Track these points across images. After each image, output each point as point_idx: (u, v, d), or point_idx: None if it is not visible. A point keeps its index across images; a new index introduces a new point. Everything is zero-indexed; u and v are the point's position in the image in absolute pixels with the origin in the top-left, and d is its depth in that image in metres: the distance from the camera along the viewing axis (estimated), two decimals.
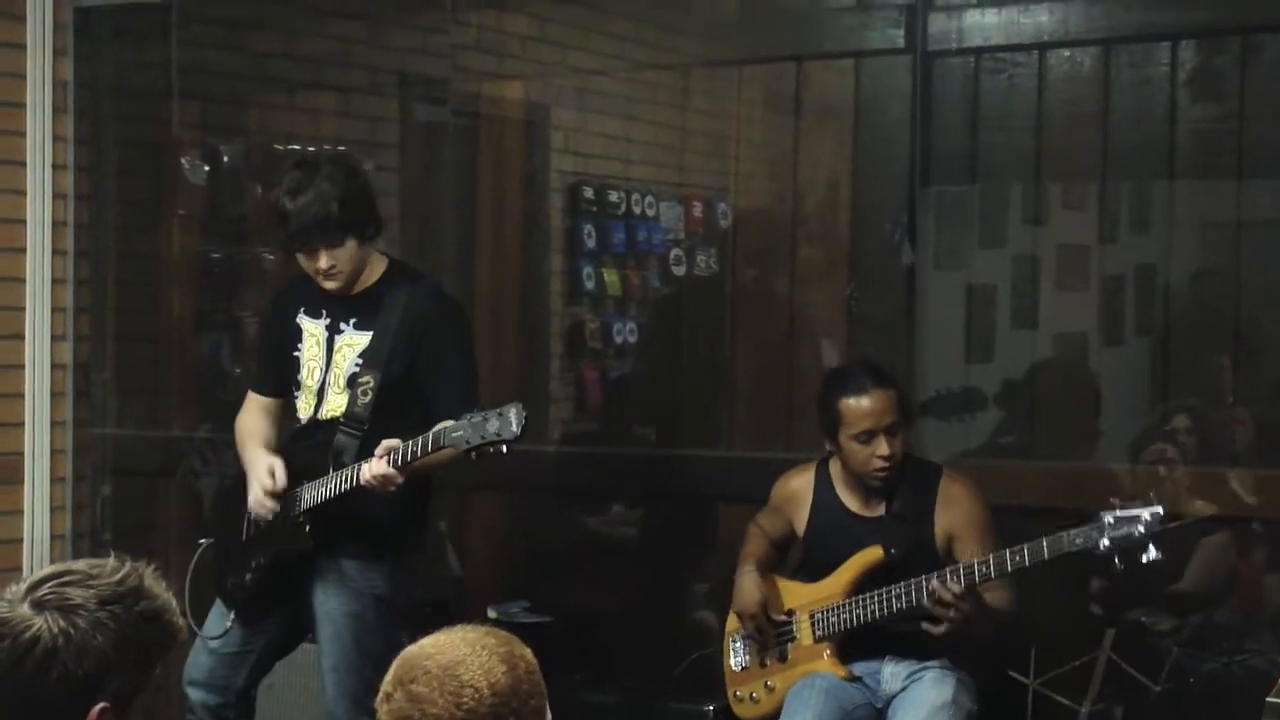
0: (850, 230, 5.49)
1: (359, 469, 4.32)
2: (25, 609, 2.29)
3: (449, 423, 4.17)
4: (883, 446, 4.46)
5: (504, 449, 4.11)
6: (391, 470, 4.25)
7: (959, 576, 4.25)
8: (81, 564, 2.37)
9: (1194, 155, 5.13)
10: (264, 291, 6.02)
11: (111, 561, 2.37)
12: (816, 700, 4.41)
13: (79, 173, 5.92)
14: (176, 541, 5.83)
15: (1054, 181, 5.31)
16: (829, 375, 4.69)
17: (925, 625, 4.28)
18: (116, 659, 2.30)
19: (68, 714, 2.29)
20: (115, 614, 2.31)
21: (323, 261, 4.44)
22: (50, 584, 2.32)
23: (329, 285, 4.49)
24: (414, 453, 4.23)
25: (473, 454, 4.13)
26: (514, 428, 4.07)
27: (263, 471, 4.51)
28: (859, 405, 4.47)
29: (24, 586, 2.33)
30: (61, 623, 2.27)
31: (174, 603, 2.40)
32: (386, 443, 4.29)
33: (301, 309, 4.60)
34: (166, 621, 2.38)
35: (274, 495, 4.49)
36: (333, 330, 4.55)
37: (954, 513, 4.51)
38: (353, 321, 4.52)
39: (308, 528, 4.46)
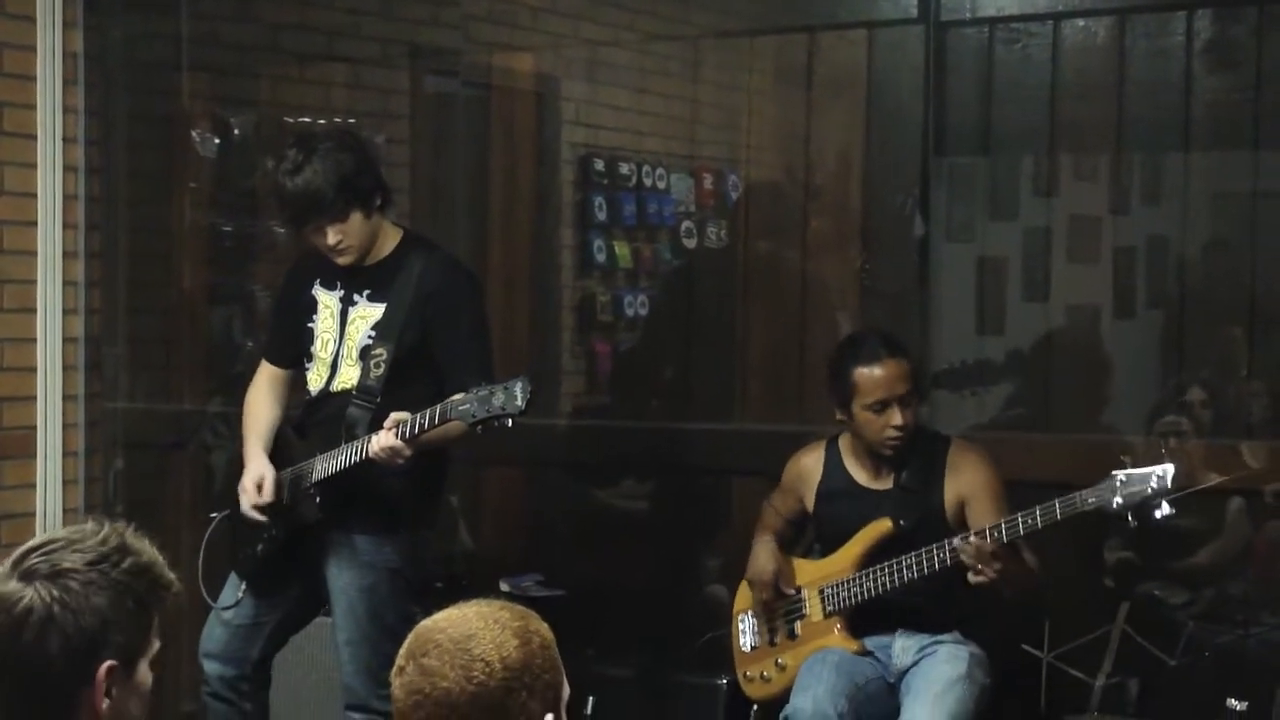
0: (862, 202, 5.47)
1: (368, 441, 4.32)
2: (14, 583, 2.31)
3: (456, 396, 4.16)
4: (896, 416, 4.45)
5: (509, 424, 4.10)
6: (399, 443, 4.25)
7: (970, 540, 4.23)
8: (62, 532, 2.39)
9: (1209, 126, 5.11)
10: (275, 264, 6.01)
11: (90, 525, 2.39)
12: (829, 674, 4.40)
13: (89, 145, 5.91)
14: (189, 515, 5.84)
15: (1067, 153, 5.29)
16: (842, 344, 4.68)
17: (973, 578, 4.24)
18: (114, 616, 2.31)
19: (74, 679, 2.30)
20: (105, 572, 2.32)
21: (330, 238, 4.43)
22: (35, 555, 2.34)
23: (340, 260, 4.48)
24: (421, 426, 4.22)
25: (478, 428, 4.12)
26: (519, 402, 4.06)
27: (250, 484, 4.53)
28: (872, 375, 4.46)
29: (9, 563, 2.34)
30: (54, 590, 2.29)
31: (159, 556, 2.41)
32: (394, 415, 4.29)
33: (317, 280, 4.59)
34: (156, 574, 2.39)
35: (260, 509, 4.51)
36: (346, 302, 4.54)
37: (965, 479, 4.50)
38: (366, 293, 4.52)
39: (319, 499, 4.46)
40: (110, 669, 2.31)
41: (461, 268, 4.68)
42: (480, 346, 4.46)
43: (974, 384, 5.32)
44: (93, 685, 2.30)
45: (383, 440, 4.27)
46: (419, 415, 4.22)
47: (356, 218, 4.43)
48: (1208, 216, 5.25)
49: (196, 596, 4.65)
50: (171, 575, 2.42)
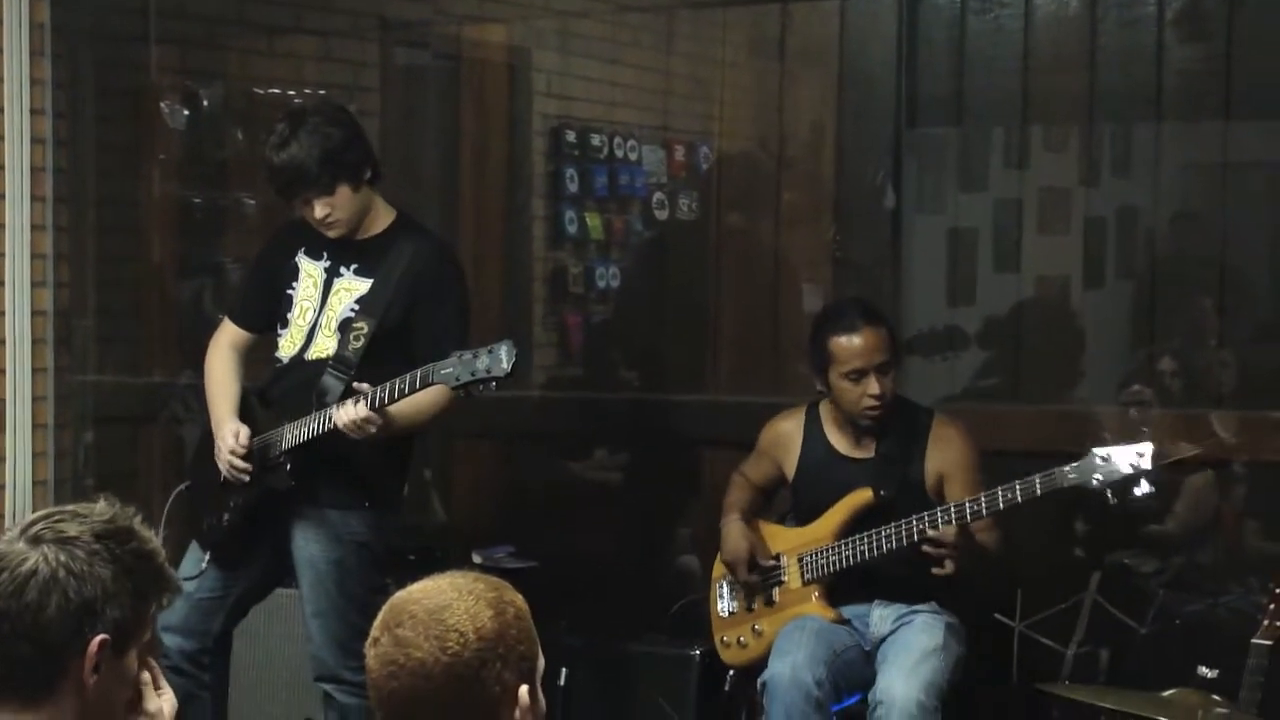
0: (835, 174, 5.47)
1: (336, 409, 4.32)
2: (21, 545, 2.32)
3: (439, 362, 4.15)
4: (873, 385, 4.45)
5: (494, 386, 4.10)
6: (367, 413, 4.24)
7: (950, 516, 4.25)
8: (71, 506, 2.39)
9: (1180, 96, 5.12)
10: (245, 236, 5.99)
11: (101, 504, 2.39)
12: (808, 641, 4.41)
13: (57, 118, 5.86)
14: (159, 487, 5.81)
15: (1038, 124, 5.30)
16: (820, 313, 4.67)
17: (935, 570, 4.29)
18: (114, 589, 2.31)
19: (67, 646, 2.30)
20: (109, 547, 2.33)
21: (317, 211, 4.44)
22: (43, 521, 2.35)
23: (330, 232, 4.49)
24: (401, 390, 4.21)
25: (461, 391, 4.12)
26: (504, 364, 4.05)
27: (228, 435, 4.50)
28: (850, 344, 4.46)
29: (17, 529, 2.35)
30: (61, 555, 2.30)
31: (163, 552, 2.41)
32: (361, 385, 4.28)
33: (302, 249, 4.59)
34: (159, 564, 2.39)
35: (242, 457, 4.48)
36: (332, 273, 4.54)
37: (946, 454, 4.51)
38: (354, 267, 4.52)
39: (288, 467, 4.45)
40: (103, 643, 2.31)
41: (453, 255, 4.69)
42: (460, 330, 4.45)
43: (945, 349, 5.34)
44: (83, 657, 2.30)
45: (349, 412, 4.26)
46: (399, 380, 4.21)
47: (344, 191, 4.43)
48: (1178, 187, 5.27)
49: None
50: (173, 574, 2.44)
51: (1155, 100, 5.10)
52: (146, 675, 2.43)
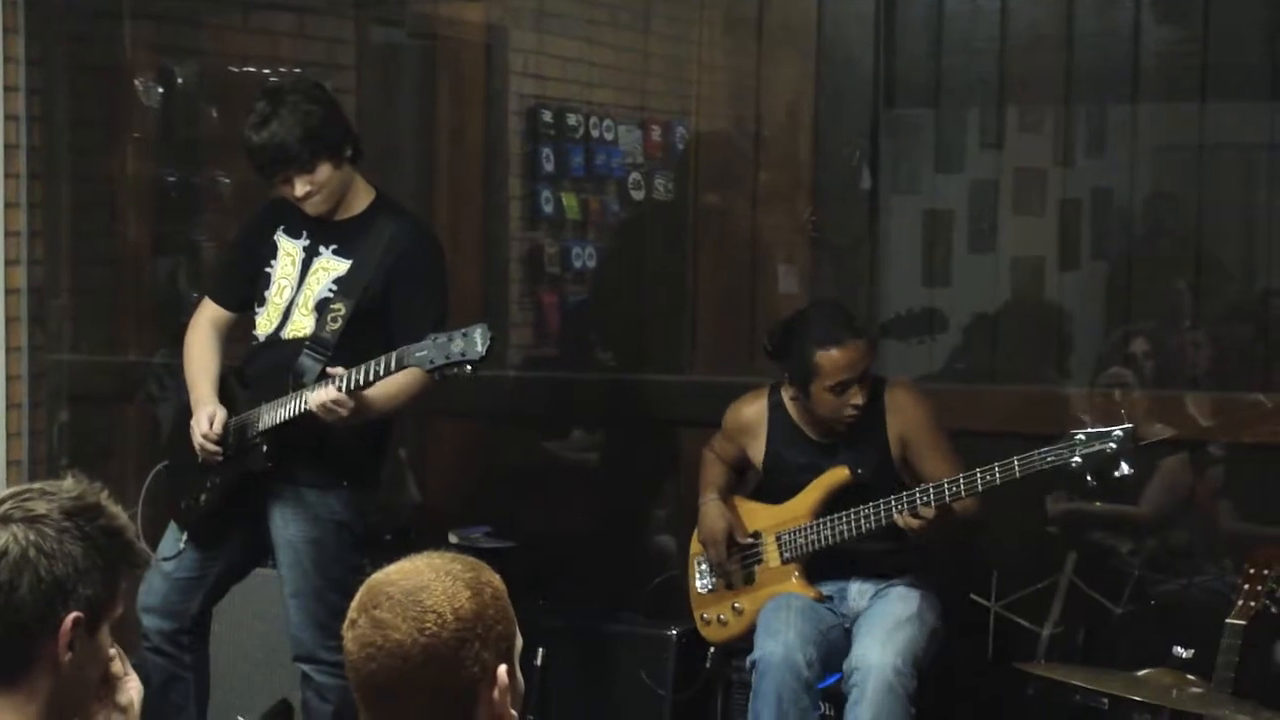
0: (812, 154, 5.46)
1: (310, 393, 4.31)
2: None
3: (413, 345, 4.14)
4: (857, 396, 4.45)
5: (468, 370, 4.09)
6: (340, 395, 4.23)
7: (929, 497, 4.26)
8: (37, 484, 2.40)
9: (1157, 77, 5.12)
10: (220, 215, 5.98)
11: (69, 481, 2.40)
12: (795, 620, 4.42)
13: (31, 94, 5.84)
14: (134, 467, 5.81)
15: (1015, 105, 5.30)
16: (799, 323, 4.57)
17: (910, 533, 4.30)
18: (86, 567, 2.32)
19: (40, 625, 2.30)
20: (79, 524, 2.33)
21: (298, 188, 4.43)
22: (11, 500, 2.35)
23: (310, 210, 4.48)
24: (376, 373, 4.20)
25: (436, 374, 4.11)
26: (479, 348, 4.05)
27: (203, 418, 4.49)
28: (834, 359, 4.42)
29: None
30: (31, 534, 2.30)
31: (131, 525, 2.42)
32: (335, 369, 4.27)
33: (281, 227, 4.58)
34: (127, 540, 2.40)
35: (210, 439, 4.47)
36: (311, 252, 4.53)
37: (903, 418, 4.53)
38: (333, 247, 4.51)
39: (265, 448, 4.44)
40: (76, 620, 2.31)
41: (433, 237, 4.69)
42: (437, 312, 4.44)
43: (921, 332, 5.34)
44: (57, 636, 2.30)
45: (322, 395, 4.25)
46: (374, 362, 4.20)
47: (325, 169, 4.42)
48: (1154, 168, 5.28)
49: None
50: (143, 547, 2.44)
51: (1132, 81, 5.10)
52: (117, 665, 2.43)
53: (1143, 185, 5.25)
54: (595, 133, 6.06)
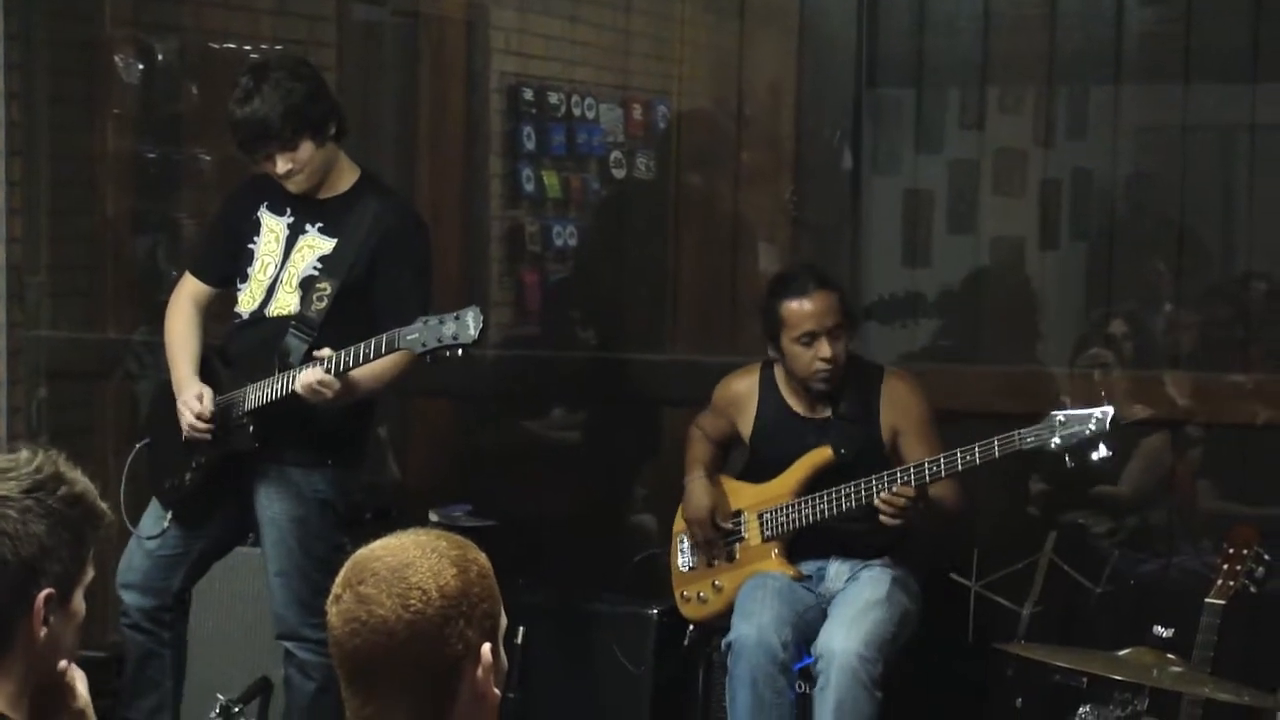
0: (793, 133, 5.46)
1: (297, 373, 4.30)
2: None
3: (404, 327, 4.13)
4: (824, 349, 4.46)
5: (459, 353, 4.08)
6: (326, 377, 4.22)
7: (909, 476, 4.27)
8: None
9: (1140, 58, 5.13)
10: (200, 191, 5.96)
11: (23, 453, 2.38)
12: (771, 601, 4.43)
13: (10, 70, 5.81)
14: (114, 444, 5.79)
15: (996, 85, 5.31)
16: (771, 280, 4.68)
17: (882, 517, 4.30)
18: (52, 544, 2.31)
19: (12, 607, 2.29)
20: (41, 500, 2.32)
21: (280, 166, 4.42)
22: None
23: (292, 187, 4.47)
24: (365, 355, 4.20)
25: (428, 358, 4.11)
26: (471, 331, 4.05)
27: (191, 398, 4.47)
28: (800, 308, 4.47)
29: None
30: None
31: (91, 487, 2.40)
32: (321, 351, 4.27)
33: (265, 204, 4.56)
34: (90, 504, 2.39)
35: (203, 419, 4.45)
36: (295, 230, 4.51)
37: (898, 412, 4.54)
38: (318, 225, 4.49)
39: (252, 428, 4.43)
40: (48, 597, 2.31)
41: (418, 217, 4.68)
42: (421, 292, 4.43)
43: (905, 316, 5.35)
44: (30, 614, 2.29)
45: (309, 377, 4.24)
46: (363, 344, 4.20)
47: (307, 146, 4.41)
48: (1135, 149, 5.28)
49: (120, 527, 4.60)
50: (104, 505, 2.43)
51: (1114, 62, 5.10)
52: (73, 674, 2.41)
53: (1124, 166, 5.26)
54: (577, 111, 6.05)
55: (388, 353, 4.18)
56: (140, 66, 6.09)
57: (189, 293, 4.68)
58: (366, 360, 4.21)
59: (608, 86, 6.03)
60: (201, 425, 4.45)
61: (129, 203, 6.19)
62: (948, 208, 5.43)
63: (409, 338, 4.11)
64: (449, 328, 4.06)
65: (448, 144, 5.94)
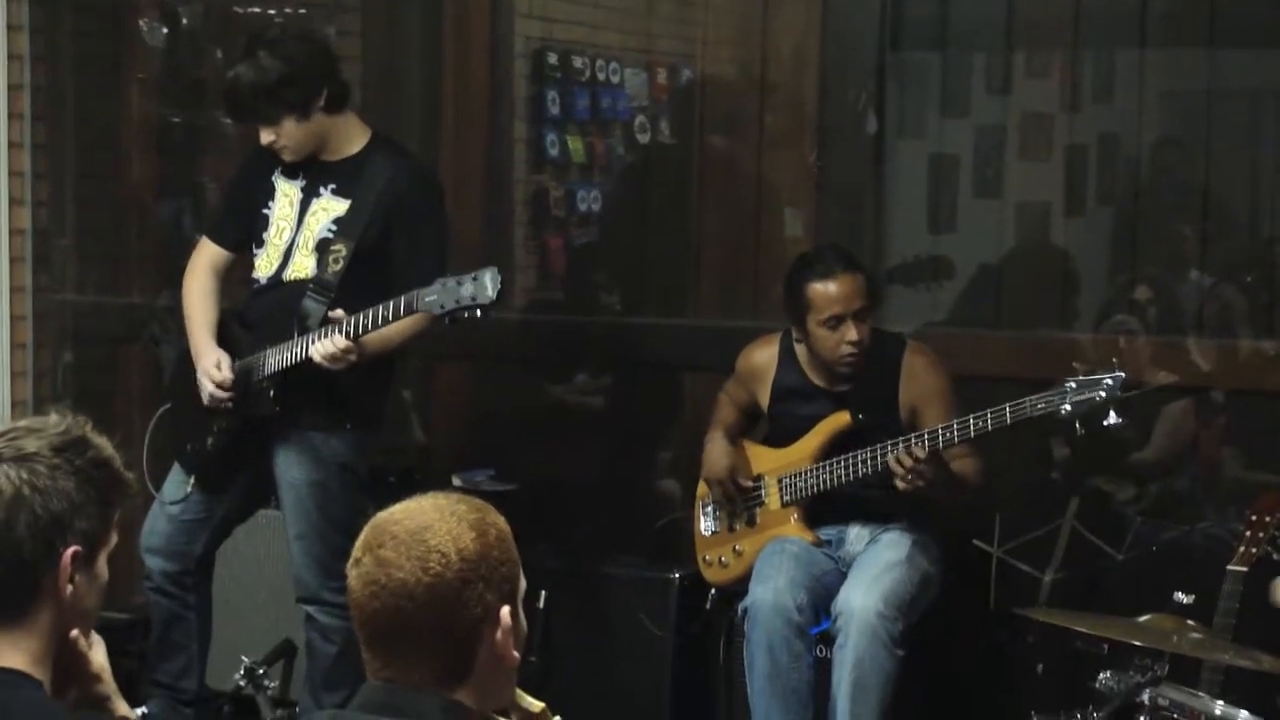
0: (818, 98, 5.45)
1: (315, 338, 4.31)
2: None
3: (423, 289, 4.13)
4: (851, 332, 4.45)
5: (479, 314, 4.08)
6: (345, 343, 4.22)
7: (923, 441, 4.27)
8: (23, 422, 2.41)
9: (1165, 22, 5.10)
10: (224, 156, 5.95)
11: (54, 416, 2.41)
12: (788, 565, 4.44)
13: (34, 34, 5.82)
14: (138, 408, 5.81)
15: (1023, 49, 5.28)
16: (796, 261, 4.65)
17: (897, 481, 4.31)
18: (80, 500, 2.34)
19: (41, 561, 2.32)
20: (69, 459, 2.35)
21: (264, 138, 4.46)
22: (0, 440, 2.35)
23: (285, 157, 4.48)
24: (384, 318, 4.20)
25: (446, 319, 4.11)
26: (489, 292, 4.04)
27: (210, 366, 4.49)
28: (827, 290, 4.45)
29: None
30: (23, 472, 2.31)
31: (117, 455, 2.43)
32: (336, 313, 4.27)
33: (279, 168, 4.57)
34: (116, 470, 2.41)
35: (224, 387, 4.47)
36: (309, 193, 4.52)
37: (918, 386, 4.53)
38: (331, 187, 4.50)
39: (272, 392, 4.44)
40: (75, 554, 2.33)
41: (430, 174, 4.68)
42: (439, 252, 4.44)
43: (929, 279, 5.34)
44: (57, 570, 2.31)
45: (326, 346, 4.25)
46: (381, 307, 4.20)
47: (288, 123, 4.43)
48: (1161, 114, 5.26)
49: (144, 491, 4.63)
50: (129, 475, 2.45)
51: (1140, 26, 5.08)
52: (88, 642, 2.43)
53: (1150, 131, 5.24)
54: (601, 76, 6.04)
55: (406, 315, 4.18)
56: (164, 30, 6.09)
57: (206, 258, 4.69)
58: (385, 323, 4.21)
59: (632, 51, 6.01)
60: (222, 394, 4.47)
61: (153, 167, 6.20)
62: (973, 173, 5.41)
63: (427, 299, 4.10)
64: (467, 289, 4.05)
65: (472, 109, 5.94)
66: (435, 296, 4.09)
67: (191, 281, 4.67)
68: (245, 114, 4.48)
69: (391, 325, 4.28)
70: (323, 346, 4.25)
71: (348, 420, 4.49)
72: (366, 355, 4.34)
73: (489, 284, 4.04)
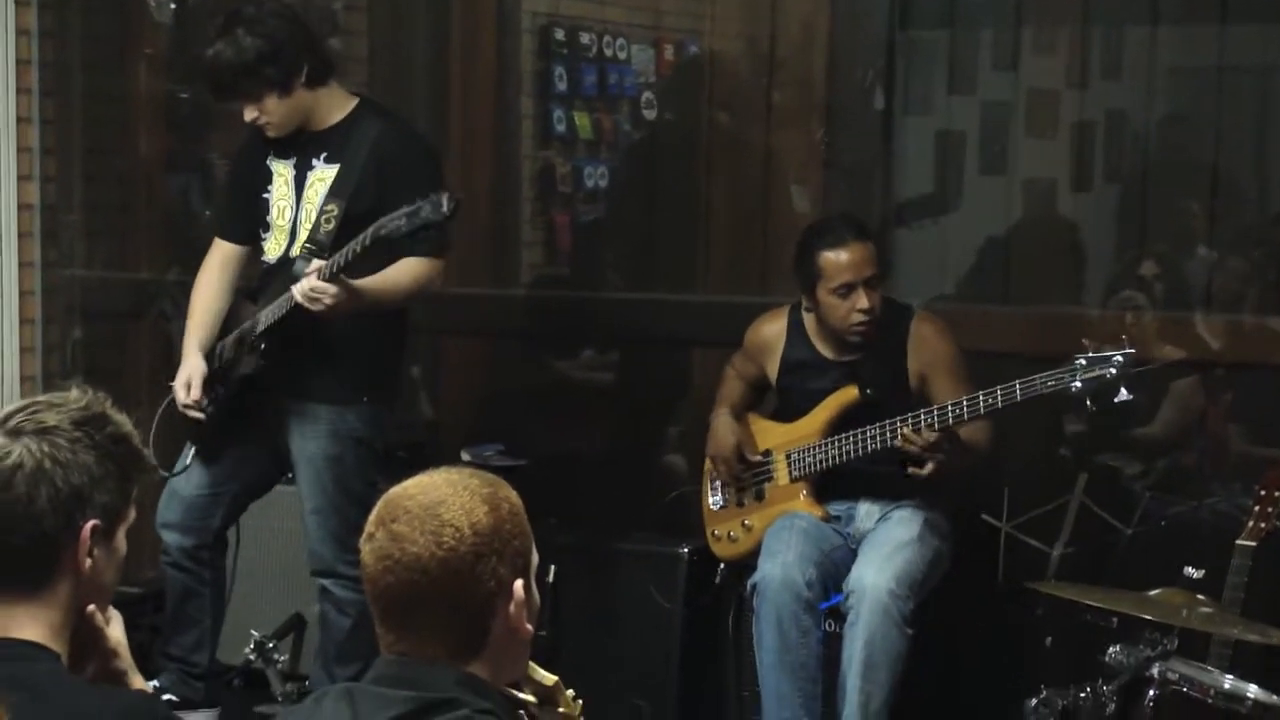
0: (825, 74, 5.44)
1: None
2: (1, 439, 2.34)
3: (384, 217, 4.18)
4: (862, 300, 4.45)
5: (442, 230, 4.20)
6: (321, 283, 4.23)
7: (933, 419, 4.27)
8: (43, 396, 2.43)
9: None
10: (232, 132, 5.92)
11: (74, 391, 2.43)
12: (797, 540, 4.45)
13: (43, 9, 5.81)
14: (147, 383, 5.82)
15: (1030, 26, 5.27)
16: (806, 230, 4.65)
17: (911, 470, 4.32)
18: (100, 474, 2.36)
19: (61, 534, 2.33)
20: (89, 433, 2.37)
21: (246, 115, 4.48)
22: (20, 413, 2.37)
23: (269, 133, 4.49)
24: (354, 252, 4.22)
25: (419, 235, 4.20)
26: (444, 209, 4.11)
27: (181, 382, 4.56)
28: (838, 259, 4.45)
29: None
30: (44, 446, 2.33)
31: (138, 433, 2.45)
32: (317, 261, 4.30)
33: (271, 151, 4.58)
34: (135, 446, 2.44)
35: (190, 406, 4.54)
36: (302, 168, 4.53)
37: (926, 354, 4.53)
38: (324, 155, 4.51)
39: (262, 345, 4.47)
40: (94, 528, 2.34)
41: (418, 134, 4.69)
42: None
43: (935, 213, 5.34)
44: (77, 543, 2.33)
45: (304, 284, 4.26)
46: (347, 245, 4.24)
47: (270, 99, 4.45)
48: (1169, 90, 5.25)
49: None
50: (148, 453, 2.48)
51: (1149, 2, 5.07)
52: (106, 616, 2.44)
53: (1158, 107, 5.23)
54: (608, 51, 6.04)
55: (372, 244, 4.20)
56: (172, 5, 6.09)
57: (218, 257, 4.72)
58: (356, 257, 4.23)
59: (639, 27, 6.01)
60: (193, 414, 4.54)
61: (161, 142, 6.20)
62: (980, 149, 5.41)
63: (391, 225, 4.16)
64: (424, 211, 4.12)
65: (479, 84, 5.93)
66: (399, 223, 4.15)
67: (199, 282, 4.72)
68: (226, 92, 4.48)
69: (390, 274, 4.32)
70: (302, 285, 4.26)
71: (363, 394, 4.51)
72: (366, 303, 4.34)
73: (444, 201, 4.12)
